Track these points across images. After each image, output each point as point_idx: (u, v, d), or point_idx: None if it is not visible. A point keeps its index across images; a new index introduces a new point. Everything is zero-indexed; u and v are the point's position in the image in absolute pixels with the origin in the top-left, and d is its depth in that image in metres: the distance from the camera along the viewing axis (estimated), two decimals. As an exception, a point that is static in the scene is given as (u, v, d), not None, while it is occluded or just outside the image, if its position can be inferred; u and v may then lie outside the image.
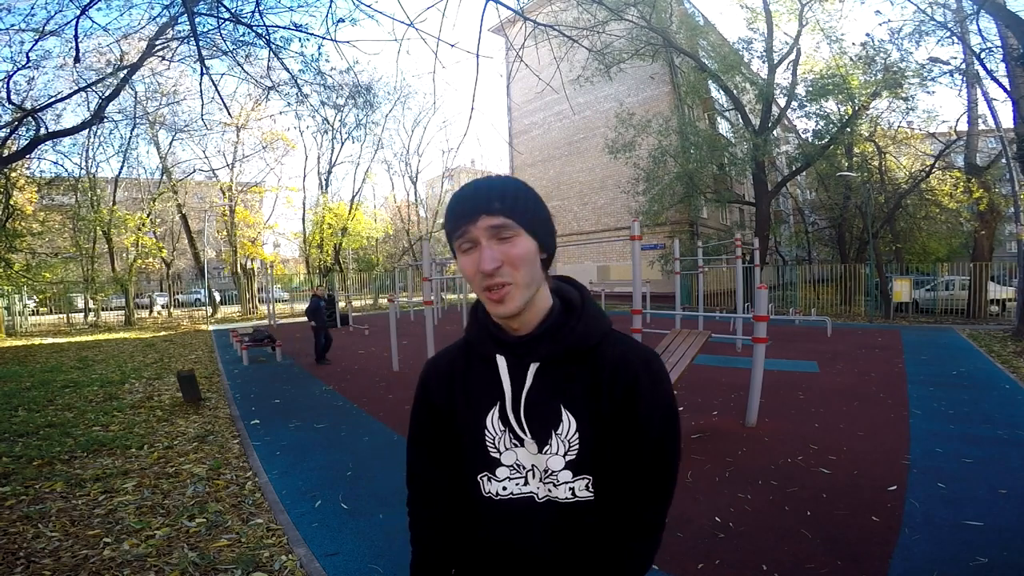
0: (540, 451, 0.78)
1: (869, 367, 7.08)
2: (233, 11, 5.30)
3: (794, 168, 17.95)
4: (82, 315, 19.69)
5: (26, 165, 16.27)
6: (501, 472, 0.81)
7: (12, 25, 12.06)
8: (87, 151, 19.13)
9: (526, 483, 0.80)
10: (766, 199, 16.43)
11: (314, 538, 2.81)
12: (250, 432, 4.86)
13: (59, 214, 19.40)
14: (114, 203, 20.41)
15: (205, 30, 6.33)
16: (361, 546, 2.72)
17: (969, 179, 14.13)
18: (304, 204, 26.66)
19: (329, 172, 26.37)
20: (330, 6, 4.56)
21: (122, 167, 20.87)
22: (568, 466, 0.78)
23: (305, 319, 15.30)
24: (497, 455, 0.81)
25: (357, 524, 2.96)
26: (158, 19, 8.31)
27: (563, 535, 0.80)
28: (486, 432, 0.81)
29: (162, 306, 25.50)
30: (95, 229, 19.14)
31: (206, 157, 23.50)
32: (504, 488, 0.81)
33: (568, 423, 0.77)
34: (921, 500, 3.01)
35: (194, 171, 23.29)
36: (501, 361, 0.80)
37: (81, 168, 19.03)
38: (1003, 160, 12.19)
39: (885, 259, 17.00)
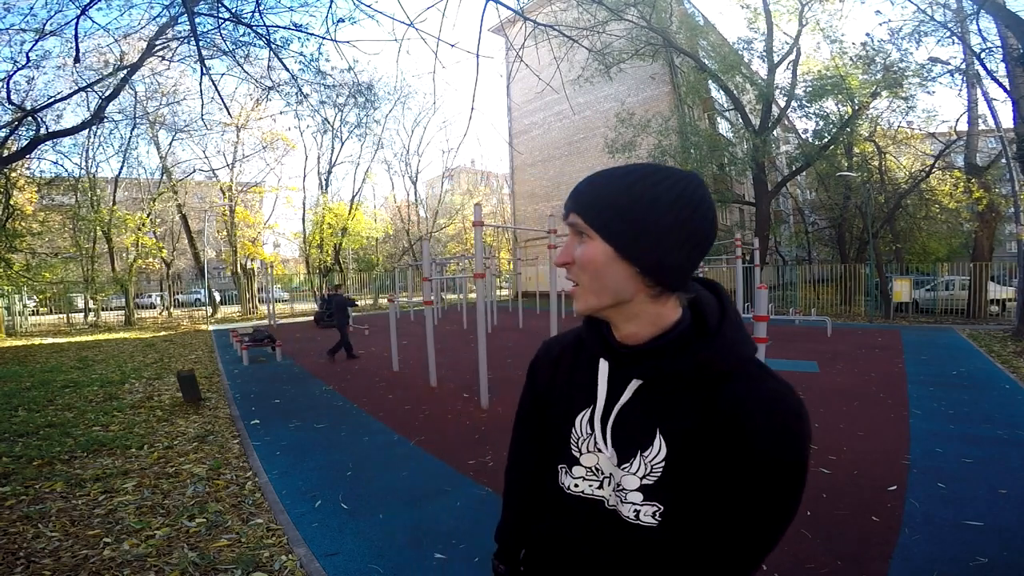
0: (619, 465, 0.75)
1: (869, 367, 7.08)
2: (233, 11, 5.30)
3: (794, 168, 17.94)
4: (82, 315, 19.68)
5: (26, 165, 16.28)
6: (577, 471, 0.81)
7: (12, 25, 12.07)
8: (87, 151, 19.13)
9: (601, 487, 0.79)
10: (766, 199, 16.42)
11: (314, 538, 2.81)
12: (250, 432, 4.85)
13: (59, 214, 19.37)
14: (114, 203, 20.38)
15: (205, 30, 6.34)
16: (361, 546, 2.72)
17: (969, 179, 14.13)
18: (304, 204, 26.65)
19: (329, 172, 26.38)
20: (330, 6, 4.56)
21: (122, 167, 20.85)
22: (641, 489, 0.73)
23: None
24: (577, 454, 0.80)
25: (357, 524, 2.97)
26: (158, 19, 8.34)
27: (614, 548, 0.77)
28: (573, 430, 0.81)
29: (164, 307, 25.51)
30: (95, 229, 19.13)
31: (206, 157, 23.52)
32: (577, 485, 0.81)
33: (659, 448, 0.71)
34: (921, 500, 3.01)
35: (194, 171, 23.30)
36: (603, 366, 0.78)
37: (81, 168, 19.03)
38: (1003, 160, 12.18)
39: (885, 259, 16.99)
